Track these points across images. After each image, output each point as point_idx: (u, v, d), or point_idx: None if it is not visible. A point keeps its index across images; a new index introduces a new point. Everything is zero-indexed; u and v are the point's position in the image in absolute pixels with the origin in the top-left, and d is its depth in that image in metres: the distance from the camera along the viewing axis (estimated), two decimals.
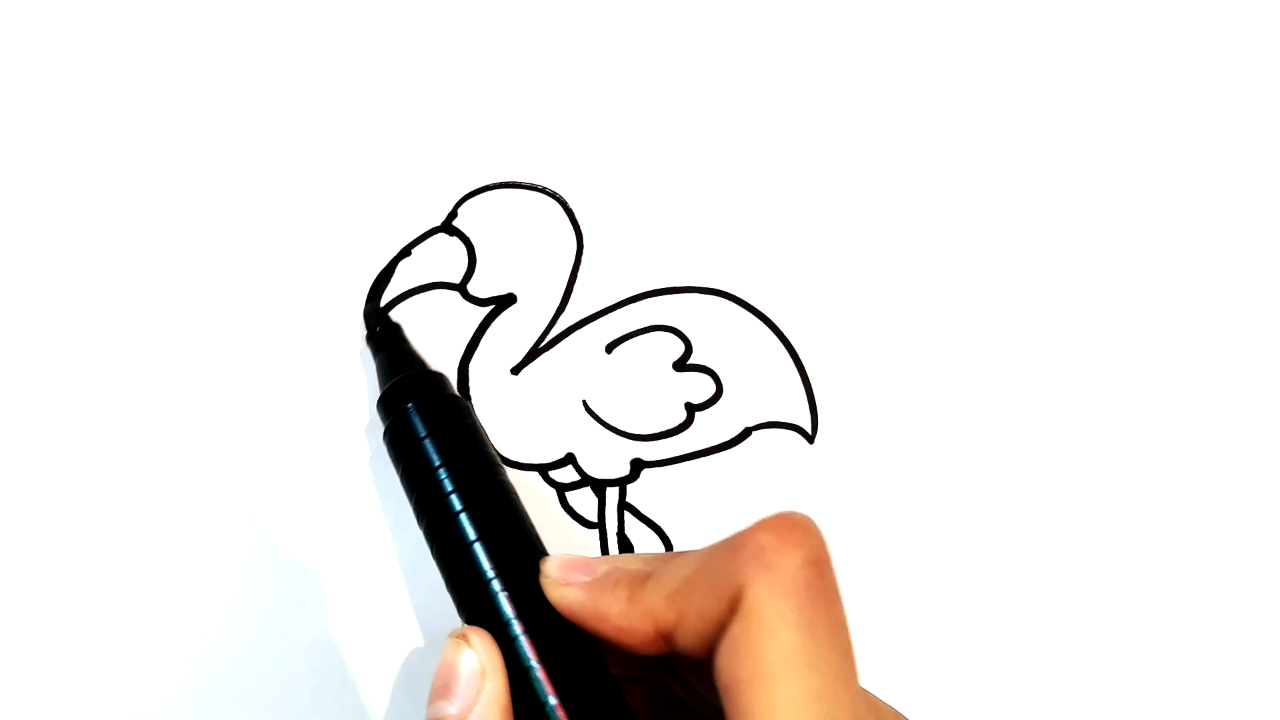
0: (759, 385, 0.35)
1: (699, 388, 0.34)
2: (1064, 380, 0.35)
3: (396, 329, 0.33)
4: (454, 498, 0.28)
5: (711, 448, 0.34)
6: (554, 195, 0.35)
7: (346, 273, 0.34)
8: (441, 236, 0.34)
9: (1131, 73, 0.37)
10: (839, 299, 0.35)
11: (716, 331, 0.35)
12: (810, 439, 0.35)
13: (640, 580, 0.25)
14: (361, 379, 0.33)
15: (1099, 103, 0.37)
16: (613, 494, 0.34)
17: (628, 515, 0.34)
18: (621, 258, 0.35)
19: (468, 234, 0.34)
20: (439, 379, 0.30)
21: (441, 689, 0.25)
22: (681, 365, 0.34)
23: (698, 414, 0.34)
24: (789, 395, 0.35)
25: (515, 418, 0.34)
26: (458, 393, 0.31)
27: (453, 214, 0.34)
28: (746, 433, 0.34)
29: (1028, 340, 0.35)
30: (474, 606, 0.27)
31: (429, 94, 0.35)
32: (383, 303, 0.34)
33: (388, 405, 0.30)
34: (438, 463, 0.28)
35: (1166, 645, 0.34)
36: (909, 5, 0.37)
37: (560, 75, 0.35)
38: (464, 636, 0.26)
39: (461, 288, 0.34)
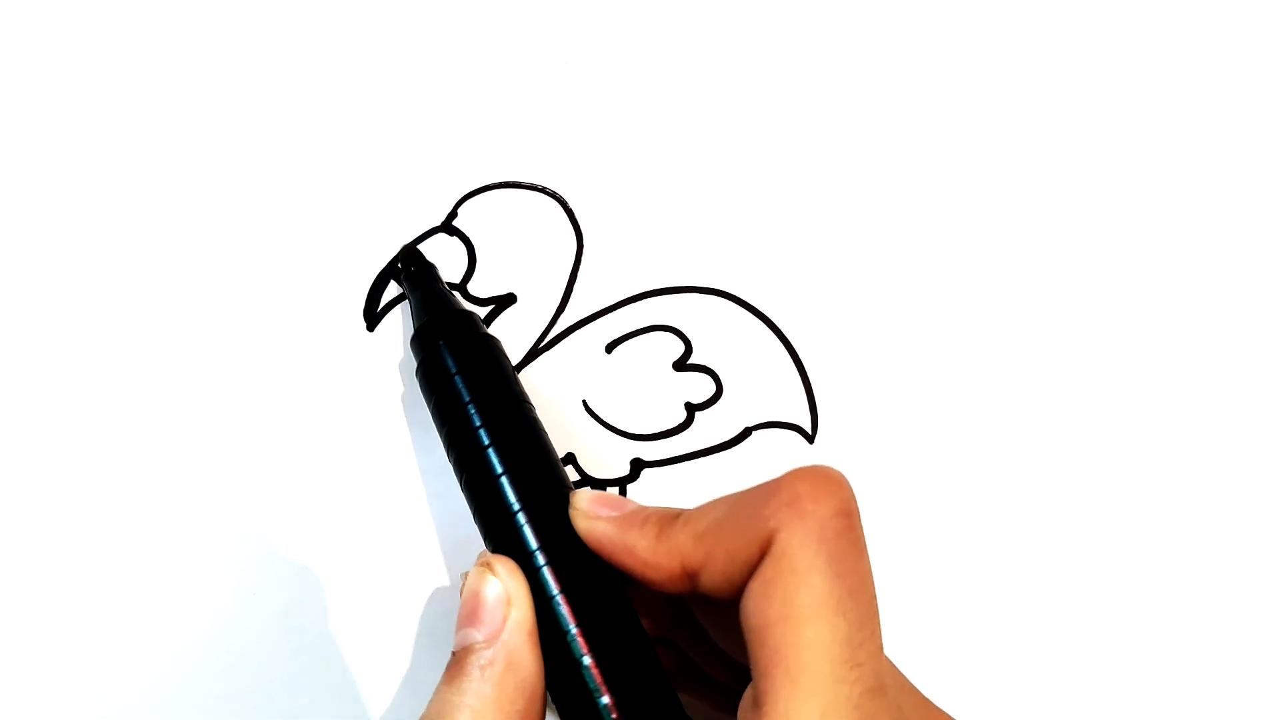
0: (759, 385, 0.35)
1: (699, 388, 0.34)
2: (1064, 379, 0.35)
3: (431, 269, 0.33)
4: (483, 431, 0.28)
5: (711, 448, 0.34)
6: (554, 195, 0.35)
7: (347, 273, 0.34)
8: (441, 236, 0.34)
9: (1131, 73, 0.37)
10: (839, 299, 0.35)
11: (716, 331, 0.35)
12: (810, 439, 0.35)
13: (670, 519, 0.25)
14: (362, 378, 0.33)
15: (1099, 103, 0.37)
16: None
17: None
18: (621, 258, 0.35)
19: (468, 234, 0.34)
20: (471, 318, 0.31)
21: (468, 616, 0.25)
22: (681, 365, 0.34)
23: (698, 414, 0.34)
24: (789, 395, 0.35)
25: None
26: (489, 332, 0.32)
27: (453, 214, 0.34)
28: (746, 433, 0.34)
29: (1028, 340, 0.35)
30: (500, 537, 0.27)
31: (429, 94, 0.35)
32: (385, 296, 0.34)
33: (422, 342, 0.30)
34: (468, 398, 0.29)
35: (1165, 643, 0.34)
36: (909, 5, 0.37)
37: (560, 75, 0.35)
38: (489, 565, 0.26)
39: (461, 288, 0.34)
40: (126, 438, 0.33)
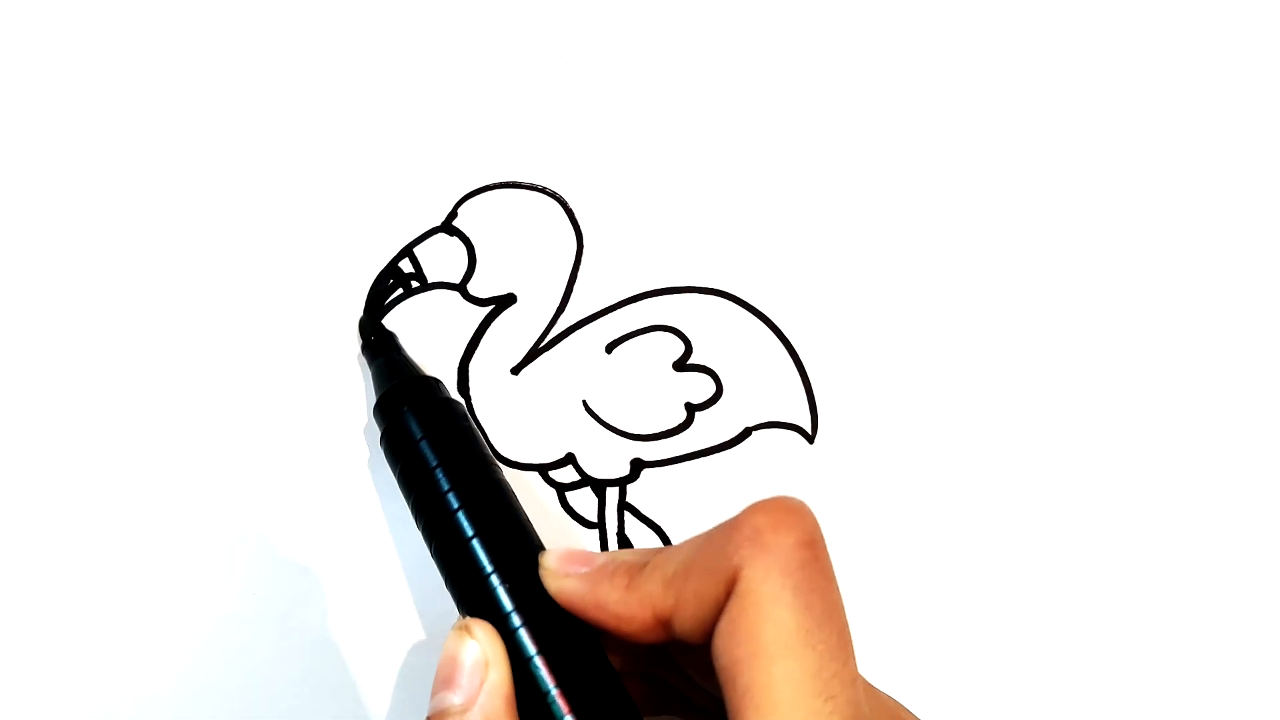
0: (759, 385, 0.35)
1: (699, 388, 0.34)
2: (1063, 379, 0.35)
3: (390, 337, 0.33)
4: (451, 496, 0.28)
5: (711, 448, 0.34)
6: (554, 195, 0.35)
7: (347, 273, 0.34)
8: (441, 236, 0.34)
9: (1131, 73, 0.37)
10: (839, 299, 0.35)
11: (716, 331, 0.35)
12: (810, 439, 0.35)
13: (637, 568, 0.25)
14: (362, 378, 0.33)
15: (1099, 103, 0.37)
16: (613, 494, 0.34)
17: (628, 515, 0.34)
18: (621, 258, 0.35)
19: (468, 234, 0.34)
20: (433, 383, 0.31)
21: (445, 680, 0.25)
22: (681, 365, 0.34)
23: (698, 414, 0.34)
24: (789, 395, 0.35)
25: (515, 418, 0.34)
26: (454, 395, 0.32)
27: (453, 214, 0.34)
28: (746, 433, 0.34)
29: (1027, 340, 0.35)
30: (474, 601, 0.27)
31: (429, 94, 0.35)
32: (387, 300, 0.34)
33: (384, 410, 0.30)
34: (434, 463, 0.29)
35: (1164, 644, 0.34)
36: (909, 5, 0.37)
37: (560, 75, 0.35)
38: (466, 628, 0.26)
39: (461, 288, 0.34)
40: (127, 439, 0.33)
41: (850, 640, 0.22)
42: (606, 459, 0.34)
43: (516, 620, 0.26)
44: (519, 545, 0.28)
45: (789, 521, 0.23)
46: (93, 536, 0.32)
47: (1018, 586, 0.34)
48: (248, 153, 0.34)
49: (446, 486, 0.28)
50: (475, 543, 0.27)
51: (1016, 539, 0.35)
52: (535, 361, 0.34)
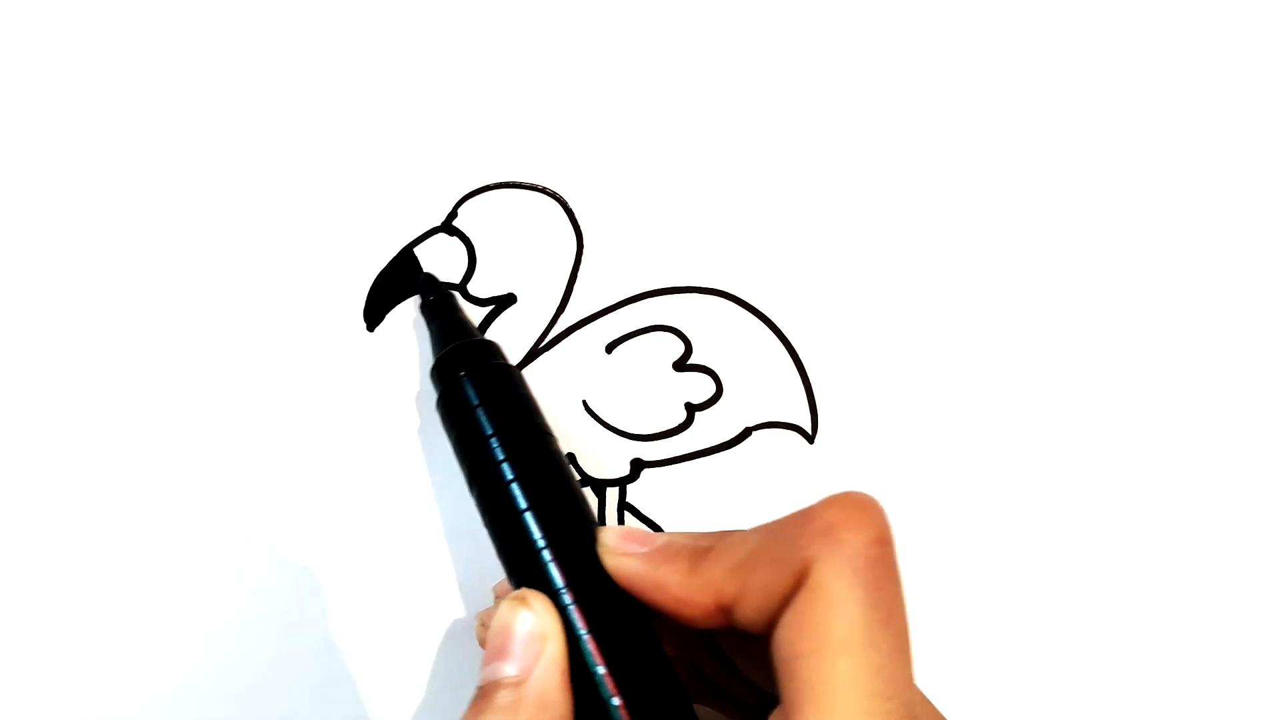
0: (759, 385, 0.35)
1: (699, 388, 0.34)
2: (1063, 379, 0.35)
3: (450, 298, 0.32)
4: (506, 466, 0.27)
5: (711, 448, 0.34)
6: (554, 195, 0.35)
7: (347, 273, 0.34)
8: (441, 236, 0.34)
9: (1132, 73, 0.37)
10: (839, 299, 0.35)
11: (716, 331, 0.35)
12: (810, 439, 0.35)
13: (700, 553, 0.25)
14: (361, 377, 0.33)
15: (1098, 103, 0.37)
16: (613, 494, 0.34)
17: (628, 515, 0.34)
18: (621, 258, 0.35)
19: (468, 234, 0.34)
20: (492, 347, 0.30)
21: (498, 650, 0.25)
22: (681, 365, 0.34)
23: (698, 414, 0.34)
24: (789, 395, 0.35)
25: None
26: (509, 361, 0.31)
27: (453, 214, 0.34)
28: (746, 433, 0.34)
29: (1027, 340, 0.35)
30: (526, 575, 0.26)
31: (429, 94, 0.35)
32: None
33: (441, 374, 0.30)
34: (490, 431, 0.28)
35: (1165, 645, 0.34)
36: (909, 5, 0.37)
37: (560, 75, 0.35)
38: (523, 599, 0.25)
39: (461, 288, 0.34)
40: (127, 440, 0.33)
41: (909, 642, 0.22)
42: (606, 459, 0.34)
43: (568, 597, 0.26)
44: (575, 520, 0.27)
45: (862, 519, 0.23)
46: (94, 537, 0.32)
47: (1017, 586, 0.34)
48: (248, 153, 0.34)
49: (502, 456, 0.27)
50: (529, 515, 0.27)
51: (1016, 539, 0.35)
52: (535, 361, 0.34)
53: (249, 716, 0.32)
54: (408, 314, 0.34)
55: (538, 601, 0.25)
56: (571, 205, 0.35)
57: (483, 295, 0.34)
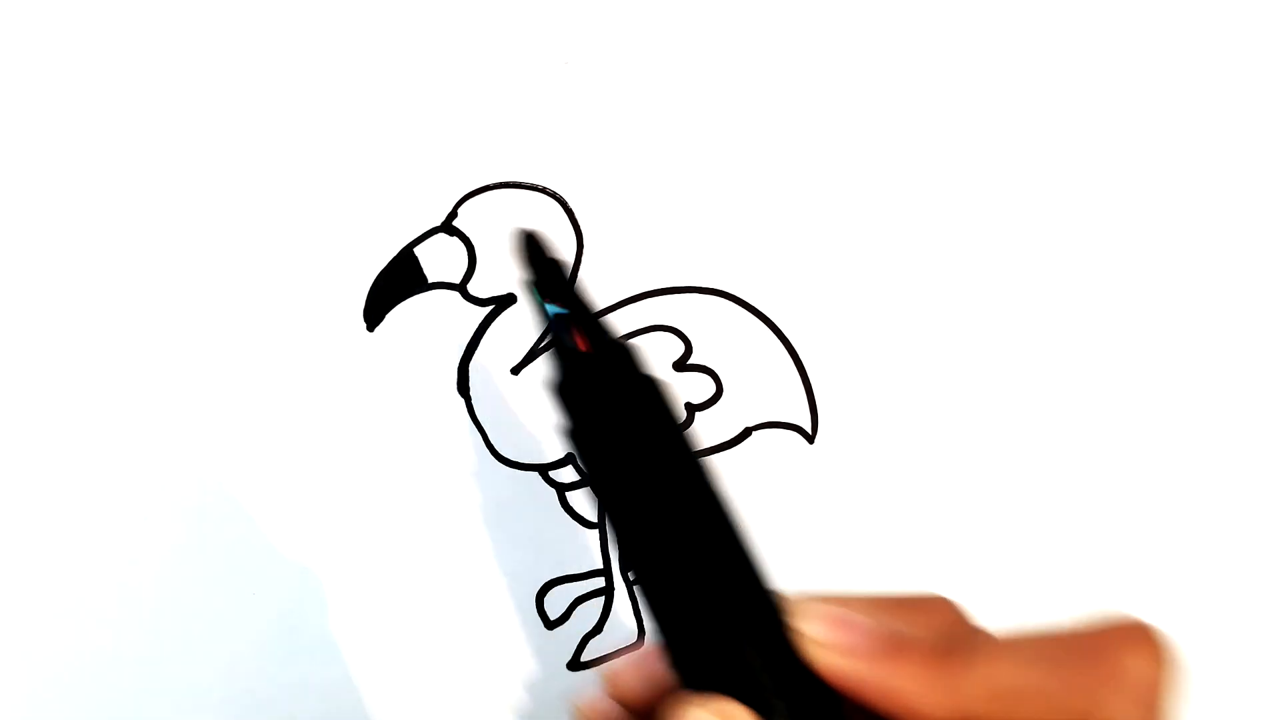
0: (759, 385, 0.35)
1: (699, 388, 0.34)
2: (1063, 380, 0.35)
3: (570, 286, 0.24)
4: (676, 526, 0.21)
5: (711, 448, 0.34)
6: (554, 195, 0.35)
7: (347, 273, 0.34)
8: (441, 236, 0.34)
9: (1131, 72, 0.37)
10: (839, 299, 0.35)
11: (716, 331, 0.35)
12: (810, 439, 0.35)
13: (939, 656, 0.21)
14: (360, 376, 0.33)
15: (1098, 103, 0.37)
16: None
17: None
18: (621, 258, 0.35)
19: (468, 234, 0.34)
20: (638, 354, 0.23)
21: None
22: (681, 365, 0.34)
23: (698, 414, 0.34)
24: (789, 395, 0.35)
25: (515, 418, 0.34)
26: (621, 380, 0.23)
27: (453, 214, 0.34)
28: (746, 433, 0.34)
29: (1027, 340, 0.35)
30: (709, 669, 0.21)
31: (429, 94, 0.35)
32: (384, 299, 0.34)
33: (575, 396, 0.22)
34: (656, 477, 0.21)
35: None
36: (909, 5, 0.36)
37: (560, 75, 0.35)
38: (717, 710, 0.20)
39: (461, 288, 0.34)
40: (127, 439, 0.33)
41: None
42: None
43: (772, 702, 0.20)
44: (764, 599, 0.21)
45: (1157, 659, 0.21)
46: (94, 537, 0.32)
47: (1017, 586, 0.34)
48: (249, 153, 0.34)
49: (670, 515, 0.21)
50: (712, 592, 0.21)
51: (1016, 539, 0.35)
52: (535, 361, 0.34)
53: (249, 716, 0.32)
54: (408, 314, 0.34)
55: (739, 714, 0.20)
56: (571, 205, 0.35)
57: (483, 295, 0.34)
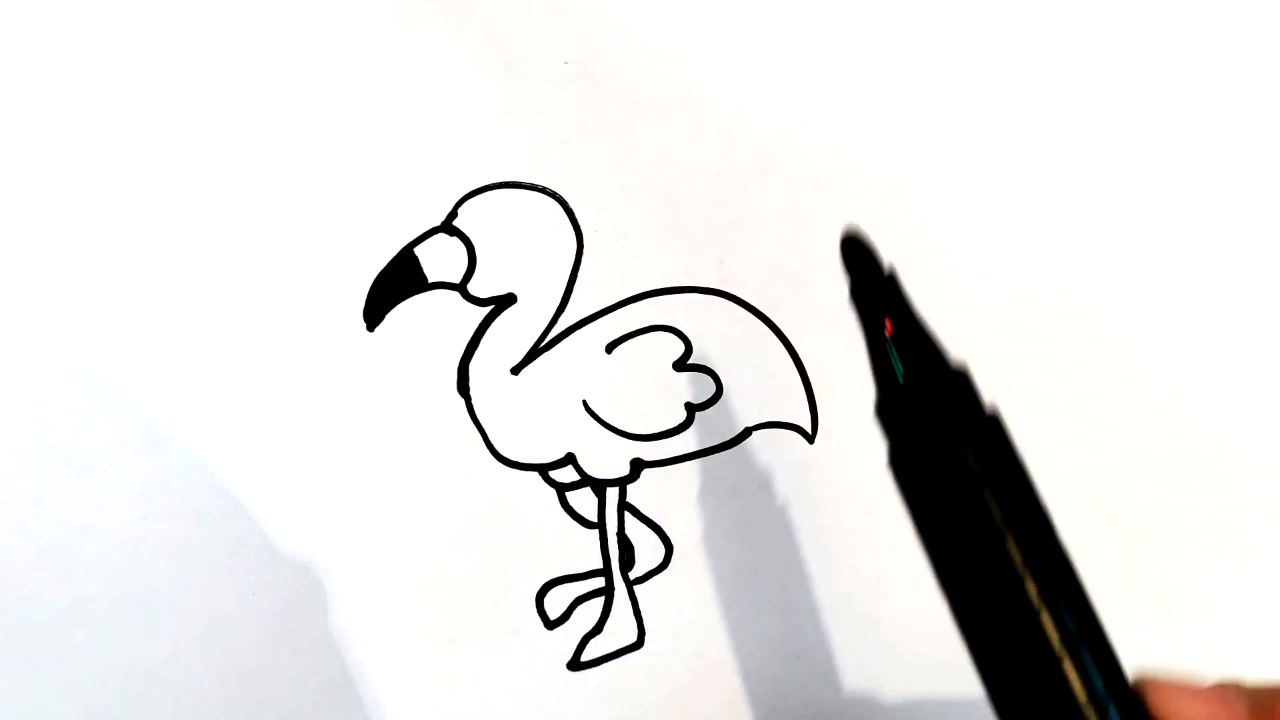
0: (759, 385, 0.35)
1: (699, 388, 0.34)
2: (1063, 380, 0.35)
3: (902, 295, 0.21)
4: (1031, 584, 0.20)
5: (711, 448, 0.34)
6: (554, 195, 0.35)
7: (347, 273, 0.34)
8: (441, 236, 0.34)
9: (1132, 72, 0.37)
10: (839, 299, 0.35)
11: (716, 331, 0.35)
12: (810, 439, 0.35)
13: None
14: (359, 375, 0.33)
15: (1098, 102, 0.37)
16: (613, 494, 0.34)
17: (628, 515, 0.34)
18: (621, 258, 0.35)
19: (468, 234, 0.34)
20: (975, 391, 0.21)
21: None
22: (681, 365, 0.34)
23: (698, 414, 0.34)
24: (789, 395, 0.35)
25: (515, 418, 0.34)
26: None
27: (453, 214, 0.34)
28: (746, 433, 0.34)
29: (1027, 340, 0.35)
30: None
31: (429, 94, 0.35)
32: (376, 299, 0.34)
33: (918, 423, 0.21)
34: (1001, 532, 0.20)
35: (1166, 646, 0.34)
36: (908, 6, 0.36)
37: (560, 75, 0.35)
38: None
39: (461, 288, 0.34)
40: (127, 439, 0.33)
41: None
42: (606, 459, 0.34)
43: None
44: (1113, 664, 0.20)
45: None
46: (93, 536, 0.32)
47: None
48: (249, 154, 0.34)
49: (1023, 569, 0.20)
50: (1068, 660, 0.20)
51: None
52: (535, 361, 0.34)
53: (249, 716, 0.32)
54: (408, 314, 0.34)
55: None
56: (571, 205, 0.35)
57: (483, 295, 0.34)
